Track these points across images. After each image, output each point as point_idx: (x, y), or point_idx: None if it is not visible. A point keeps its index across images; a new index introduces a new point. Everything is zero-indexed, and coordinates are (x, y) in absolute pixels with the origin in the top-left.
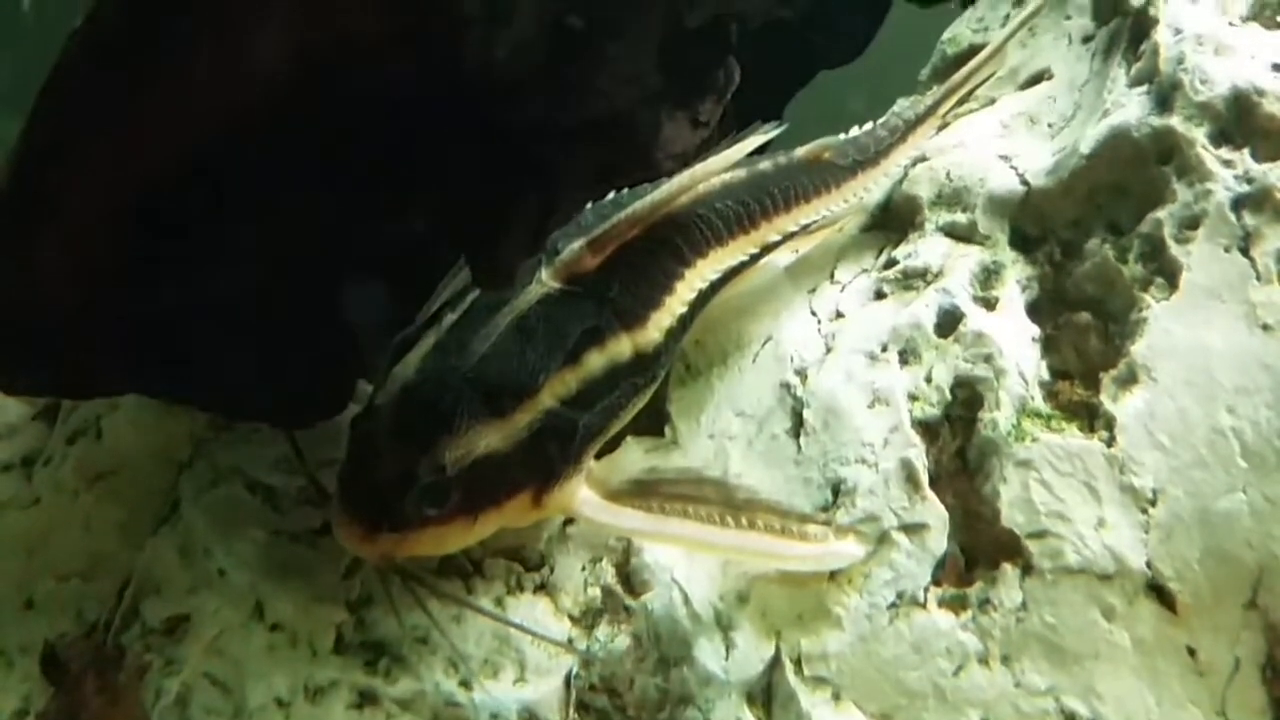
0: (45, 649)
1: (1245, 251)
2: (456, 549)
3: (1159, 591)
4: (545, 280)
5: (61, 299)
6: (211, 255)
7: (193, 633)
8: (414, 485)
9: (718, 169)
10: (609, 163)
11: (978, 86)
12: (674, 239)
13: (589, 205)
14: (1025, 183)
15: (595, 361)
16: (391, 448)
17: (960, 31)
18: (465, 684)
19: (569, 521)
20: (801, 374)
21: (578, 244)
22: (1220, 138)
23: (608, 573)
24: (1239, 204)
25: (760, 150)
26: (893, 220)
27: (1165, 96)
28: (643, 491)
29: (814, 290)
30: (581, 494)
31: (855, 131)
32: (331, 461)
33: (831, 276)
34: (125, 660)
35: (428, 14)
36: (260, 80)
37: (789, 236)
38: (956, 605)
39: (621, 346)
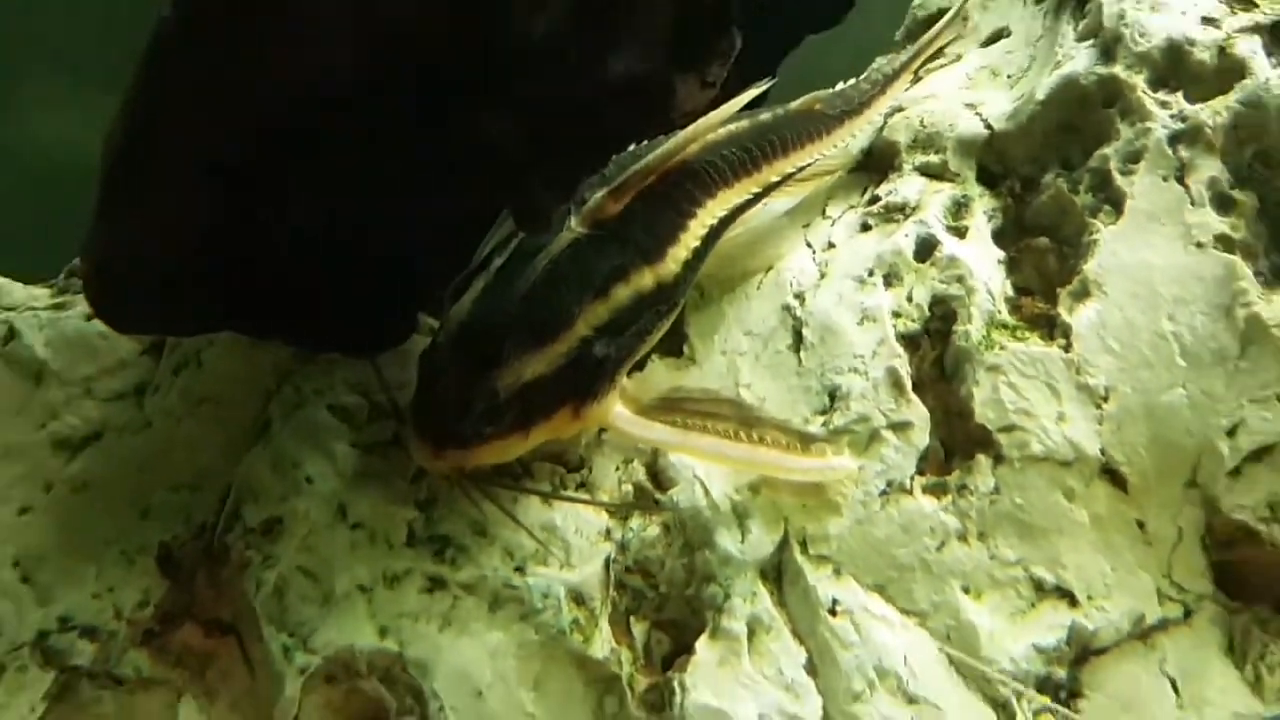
0: (161, 549)
1: (1181, 180)
2: (512, 458)
3: (1112, 474)
4: (574, 227)
5: (166, 249)
6: (295, 212)
7: (286, 532)
8: (473, 410)
9: (720, 121)
10: (631, 121)
11: (945, 45)
12: (686, 183)
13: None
14: (989, 126)
15: (622, 293)
16: (453, 379)
17: None
18: (520, 569)
19: (604, 429)
20: (800, 297)
21: (601, 193)
22: (1158, 82)
23: (639, 471)
24: (1175, 140)
25: (758, 104)
26: (875, 162)
27: (1109, 48)
28: (669, 407)
29: (809, 225)
30: (616, 409)
31: (841, 86)
32: (401, 384)
33: (823, 212)
34: (229, 557)
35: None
36: (325, 62)
37: (787, 178)
38: (938, 491)
39: (645, 279)
